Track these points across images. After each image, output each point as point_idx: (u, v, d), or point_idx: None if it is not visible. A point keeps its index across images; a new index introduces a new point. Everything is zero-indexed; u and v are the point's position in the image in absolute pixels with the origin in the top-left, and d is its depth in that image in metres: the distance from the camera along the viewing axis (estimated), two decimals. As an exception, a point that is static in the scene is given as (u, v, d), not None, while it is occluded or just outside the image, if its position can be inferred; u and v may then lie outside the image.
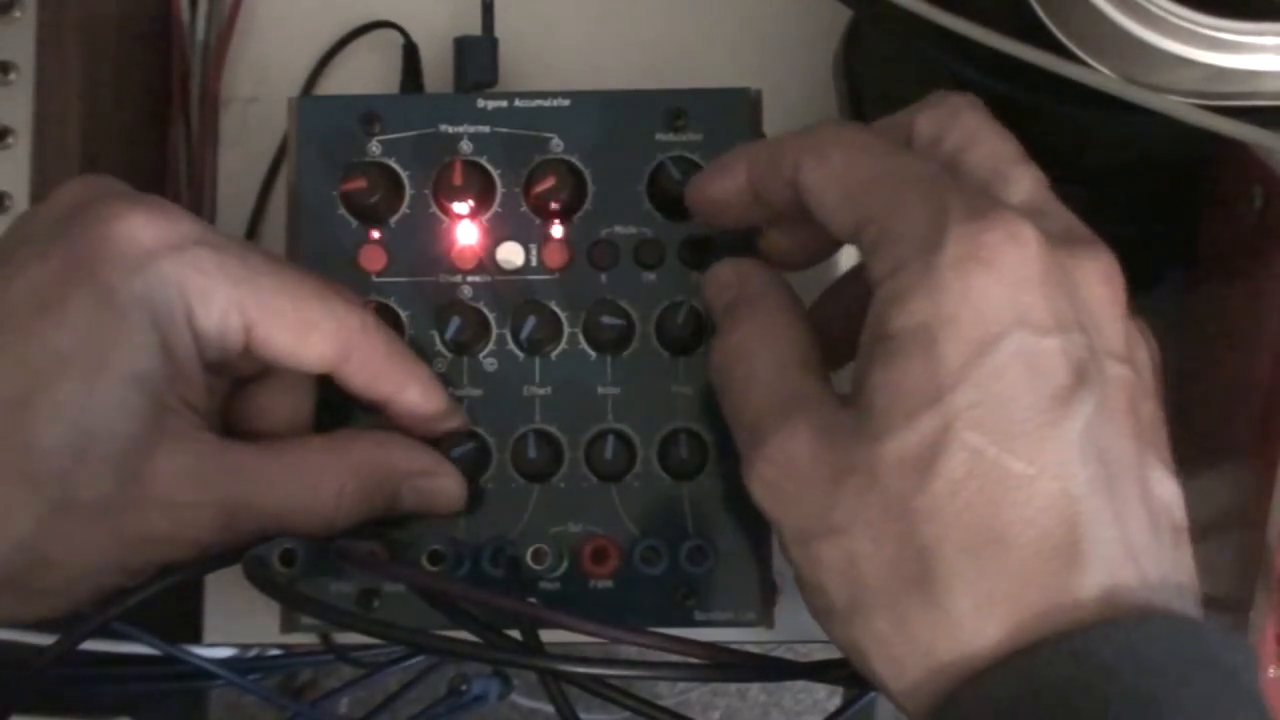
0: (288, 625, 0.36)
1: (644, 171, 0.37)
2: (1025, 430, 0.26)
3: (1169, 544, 0.28)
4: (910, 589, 0.27)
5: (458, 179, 0.36)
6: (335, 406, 0.36)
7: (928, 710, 0.27)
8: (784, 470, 0.29)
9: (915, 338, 0.26)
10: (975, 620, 0.26)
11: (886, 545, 0.27)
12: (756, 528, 0.36)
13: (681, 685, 1.04)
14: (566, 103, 0.37)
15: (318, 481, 0.33)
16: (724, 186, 0.33)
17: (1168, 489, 0.28)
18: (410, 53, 0.43)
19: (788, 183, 0.30)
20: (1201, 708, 0.24)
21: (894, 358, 0.27)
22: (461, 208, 0.36)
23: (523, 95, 0.37)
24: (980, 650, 0.26)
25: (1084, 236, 0.29)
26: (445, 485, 0.35)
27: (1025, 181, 0.29)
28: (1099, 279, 0.28)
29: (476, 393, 0.36)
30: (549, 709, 0.33)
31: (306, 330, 0.33)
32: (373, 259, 0.37)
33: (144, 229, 0.31)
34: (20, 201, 0.38)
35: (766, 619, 0.36)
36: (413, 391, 0.35)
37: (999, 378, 0.26)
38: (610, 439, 0.36)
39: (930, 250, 0.26)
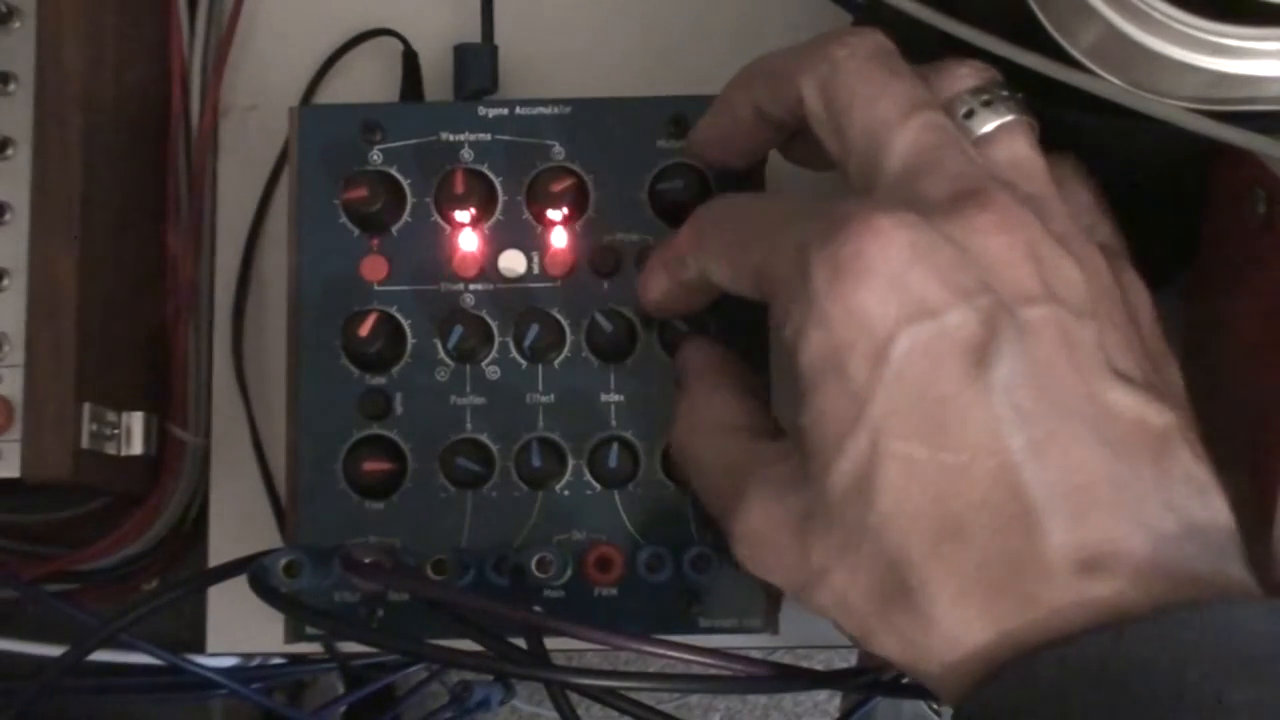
0: (292, 634, 0.36)
1: (646, 178, 0.37)
2: (945, 418, 0.26)
3: (1147, 460, 0.27)
4: (895, 604, 0.27)
5: (459, 187, 0.36)
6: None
7: (960, 708, 0.27)
8: (754, 543, 0.30)
9: (820, 372, 0.27)
10: (954, 615, 0.26)
11: (861, 573, 0.27)
12: (760, 534, 0.36)
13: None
14: (567, 110, 0.37)
15: None
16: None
17: (1129, 402, 0.27)
18: (410, 60, 0.43)
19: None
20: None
21: (809, 396, 0.27)
22: (463, 216, 0.36)
23: (523, 103, 0.37)
24: (973, 643, 0.26)
25: (968, 189, 0.28)
26: None
27: (898, 146, 0.29)
28: (990, 229, 0.27)
29: (479, 401, 0.36)
30: (550, 714, 0.33)
31: None
32: (374, 268, 0.37)
33: None
34: (21, 213, 0.38)
35: (771, 625, 0.36)
36: None
37: (902, 378, 0.26)
38: (614, 446, 0.36)
39: (804, 285, 0.27)
